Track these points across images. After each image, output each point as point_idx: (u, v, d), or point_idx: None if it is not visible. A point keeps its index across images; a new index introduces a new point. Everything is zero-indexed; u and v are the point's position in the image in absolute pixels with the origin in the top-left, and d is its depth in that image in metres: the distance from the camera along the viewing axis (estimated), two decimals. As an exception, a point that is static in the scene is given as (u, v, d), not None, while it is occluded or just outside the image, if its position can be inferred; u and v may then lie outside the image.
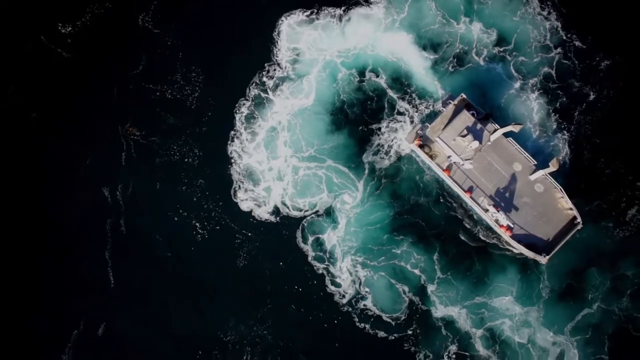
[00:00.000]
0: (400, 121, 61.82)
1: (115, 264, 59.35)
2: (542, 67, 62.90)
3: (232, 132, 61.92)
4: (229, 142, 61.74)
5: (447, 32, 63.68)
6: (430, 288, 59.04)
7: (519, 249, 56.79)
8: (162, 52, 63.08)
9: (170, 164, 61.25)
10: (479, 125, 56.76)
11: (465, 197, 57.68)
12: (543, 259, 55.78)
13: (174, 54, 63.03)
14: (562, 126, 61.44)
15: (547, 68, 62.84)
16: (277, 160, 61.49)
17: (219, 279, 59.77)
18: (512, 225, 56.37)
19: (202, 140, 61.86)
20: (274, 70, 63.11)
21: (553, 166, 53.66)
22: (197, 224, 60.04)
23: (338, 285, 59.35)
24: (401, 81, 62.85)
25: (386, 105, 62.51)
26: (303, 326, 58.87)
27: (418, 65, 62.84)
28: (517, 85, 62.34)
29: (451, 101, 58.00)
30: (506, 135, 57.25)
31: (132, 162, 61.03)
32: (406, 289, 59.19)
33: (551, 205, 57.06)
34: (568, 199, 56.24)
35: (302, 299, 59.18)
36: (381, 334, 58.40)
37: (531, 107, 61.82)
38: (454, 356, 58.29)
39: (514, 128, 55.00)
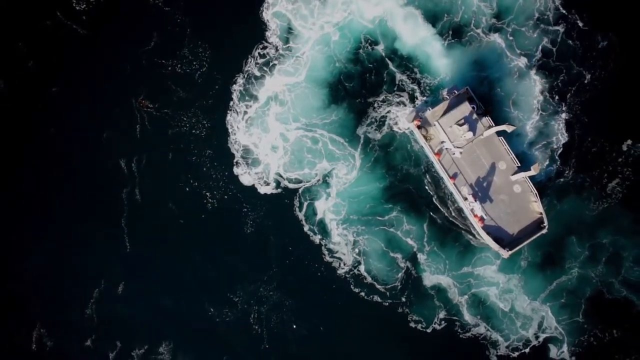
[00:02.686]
0: (401, 96, 64.52)
1: (131, 230, 63.71)
2: (540, 43, 64.94)
3: (230, 107, 64.77)
4: (228, 117, 64.80)
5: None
6: (421, 257, 63.44)
7: (485, 239, 61.01)
8: (172, 28, 65.36)
9: (181, 135, 64.70)
10: (475, 119, 60.02)
11: (449, 182, 61.52)
12: (505, 253, 60.04)
13: (183, 30, 65.32)
14: (555, 105, 64.36)
15: (545, 44, 64.91)
16: (274, 135, 64.64)
17: (228, 244, 64.08)
18: (485, 217, 60.30)
19: (208, 113, 65.01)
20: (269, 44, 65.26)
21: (534, 170, 57.40)
22: (207, 194, 64.04)
23: (335, 252, 63.82)
24: (400, 53, 64.99)
25: (385, 78, 64.94)
26: (305, 288, 63.78)
27: (417, 35, 64.60)
28: (515, 60, 64.56)
29: (456, 91, 61.01)
30: (498, 134, 60.56)
31: (147, 134, 64.40)
32: (399, 256, 63.64)
33: (524, 207, 60.86)
34: (540, 204, 60.10)
35: (304, 264, 63.79)
36: (375, 298, 63.34)
37: (527, 82, 64.34)
38: (443, 322, 63.13)
39: (507, 128, 58.52)
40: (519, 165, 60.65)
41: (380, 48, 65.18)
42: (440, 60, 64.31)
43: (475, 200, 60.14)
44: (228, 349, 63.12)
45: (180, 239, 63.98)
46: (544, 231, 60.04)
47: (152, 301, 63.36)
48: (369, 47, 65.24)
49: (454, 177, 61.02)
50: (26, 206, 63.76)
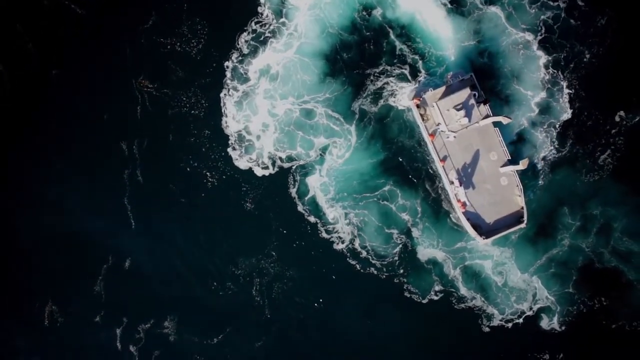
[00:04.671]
0: (402, 68, 65.09)
1: (135, 210, 65.23)
2: (543, 17, 65.03)
3: (224, 86, 65.44)
4: (222, 97, 65.57)
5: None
6: (416, 232, 65.03)
7: (464, 224, 62.59)
8: (170, 5, 65.43)
9: (180, 115, 65.44)
10: (474, 106, 60.74)
11: (438, 164, 62.74)
12: (482, 241, 61.66)
13: (180, 6, 65.42)
14: (557, 80, 64.94)
15: (547, 19, 64.93)
16: (266, 115, 65.29)
17: (229, 221, 65.77)
18: (467, 203, 61.62)
19: (206, 92, 65.55)
20: (263, 18, 65.46)
21: (523, 165, 58.47)
22: (207, 173, 65.30)
23: (331, 229, 65.40)
24: (398, 19, 65.09)
25: (385, 48, 65.27)
26: (304, 261, 65.60)
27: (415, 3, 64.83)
28: (518, 33, 64.91)
29: (460, 76, 61.57)
30: (494, 125, 61.40)
31: (147, 115, 65.23)
32: (394, 231, 65.10)
33: (507, 199, 61.89)
34: (523, 199, 61.23)
35: (302, 239, 65.54)
36: (372, 270, 65.02)
37: (531, 57, 64.85)
38: (439, 294, 64.97)
39: (503, 120, 59.44)
40: (510, 158, 61.61)
41: (378, 13, 65.28)
42: (441, 30, 64.47)
43: (461, 185, 61.30)
44: (231, 321, 65.50)
45: (182, 218, 65.62)
46: (522, 225, 61.51)
47: (156, 277, 65.47)
48: (365, 13, 65.40)
49: (443, 159, 62.15)
50: (29, 189, 65.48)
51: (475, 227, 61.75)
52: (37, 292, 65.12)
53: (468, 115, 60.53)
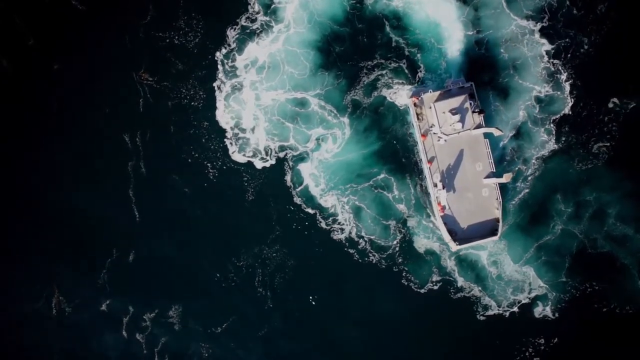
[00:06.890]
0: (398, 62, 65.83)
1: (139, 201, 66.63)
2: (545, 5, 65.44)
3: (217, 80, 66.51)
4: (216, 90, 66.65)
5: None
6: (412, 223, 66.29)
7: (439, 227, 63.74)
8: (167, 0, 66.45)
9: (180, 107, 66.56)
10: (469, 114, 61.39)
11: (425, 165, 63.77)
12: (454, 246, 62.70)
13: (177, 0, 66.24)
14: (558, 72, 65.56)
15: (552, 2, 65.36)
16: (259, 109, 66.27)
17: (231, 211, 67.01)
18: (447, 207, 62.44)
19: (203, 84, 66.55)
20: (253, 11, 66.23)
21: (506, 179, 59.61)
22: (208, 164, 66.47)
23: (329, 219, 66.64)
24: (392, 9, 65.90)
25: (379, 40, 65.99)
26: (306, 251, 66.83)
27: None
28: (517, 21, 65.38)
29: (460, 83, 62.12)
30: (485, 136, 62.06)
31: (149, 107, 66.41)
32: (391, 223, 66.38)
33: (486, 210, 62.59)
34: (501, 212, 62.08)
35: (303, 229, 66.71)
36: (371, 259, 66.40)
37: (531, 47, 65.44)
38: (437, 284, 66.08)
39: (495, 131, 60.25)
40: (494, 170, 62.29)
41: (369, 2, 65.93)
42: (439, 18, 65.11)
43: (443, 189, 61.98)
44: (235, 311, 67.10)
45: (185, 209, 66.98)
46: (495, 238, 62.73)
47: (161, 268, 67.02)
48: (355, 1, 66.08)
49: (431, 161, 63.04)
50: (33, 182, 66.82)
51: (450, 231, 62.88)
52: (44, 282, 66.88)
53: (462, 121, 61.20)
